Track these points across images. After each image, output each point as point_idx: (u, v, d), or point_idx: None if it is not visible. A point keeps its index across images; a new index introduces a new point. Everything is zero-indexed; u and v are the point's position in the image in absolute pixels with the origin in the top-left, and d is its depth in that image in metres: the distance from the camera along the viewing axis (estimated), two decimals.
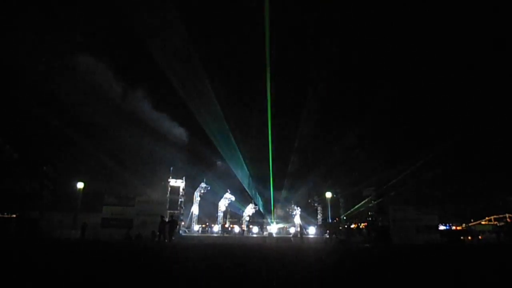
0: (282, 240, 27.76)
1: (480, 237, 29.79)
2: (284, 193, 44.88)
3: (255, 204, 42.62)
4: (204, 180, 38.60)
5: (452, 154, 35.14)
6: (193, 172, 37.65)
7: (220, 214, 40.75)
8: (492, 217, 37.51)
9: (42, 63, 34.01)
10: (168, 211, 28.61)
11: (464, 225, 36.79)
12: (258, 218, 44.38)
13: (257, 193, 43.65)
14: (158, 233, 17.97)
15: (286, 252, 12.94)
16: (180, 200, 31.00)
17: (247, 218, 42.15)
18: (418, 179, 34.14)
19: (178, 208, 30.58)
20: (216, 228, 40.33)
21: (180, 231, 31.60)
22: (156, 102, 46.64)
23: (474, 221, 38.26)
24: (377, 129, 47.65)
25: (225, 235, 36.38)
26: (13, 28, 33.08)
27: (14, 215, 24.34)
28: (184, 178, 31.58)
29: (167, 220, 19.40)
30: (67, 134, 33.90)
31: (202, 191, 38.78)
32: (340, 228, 35.06)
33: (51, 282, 4.89)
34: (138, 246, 14.47)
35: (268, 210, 43.53)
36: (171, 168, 31.56)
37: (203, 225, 41.93)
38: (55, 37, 34.99)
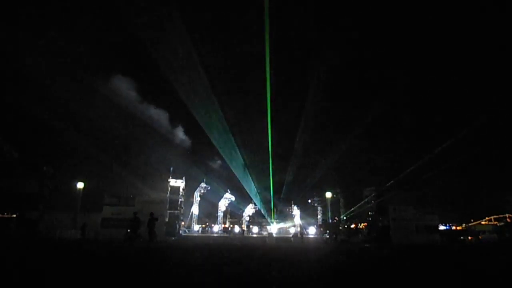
0: (282, 240, 27.73)
1: (480, 237, 29.77)
2: (284, 193, 44.86)
3: (255, 204, 42.64)
4: (204, 180, 38.63)
5: (452, 154, 35.12)
6: (193, 172, 37.65)
7: (220, 214, 40.81)
8: (492, 217, 37.48)
9: (44, 64, 33.98)
10: (168, 211, 28.61)
11: (464, 225, 36.77)
12: (258, 218, 44.44)
13: (257, 193, 43.63)
14: (128, 230, 15.56)
15: (287, 252, 12.93)
16: (180, 200, 30.98)
17: (247, 218, 42.20)
18: (418, 179, 34.12)
19: (178, 208, 30.56)
20: (216, 228, 40.39)
21: (181, 231, 31.60)
22: (157, 104, 46.70)
23: (474, 221, 38.23)
24: (377, 129, 47.65)
25: (225, 235, 36.40)
26: (14, 28, 33.07)
27: (14, 215, 24.30)
28: (184, 178, 31.57)
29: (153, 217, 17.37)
30: (67, 134, 33.94)
31: (202, 191, 38.81)
32: (340, 228, 35.05)
33: (50, 282, 4.88)
34: (136, 246, 14.44)
35: (268, 210, 43.50)
36: (171, 168, 31.56)
37: (203, 225, 42.00)
38: (56, 38, 34.98)
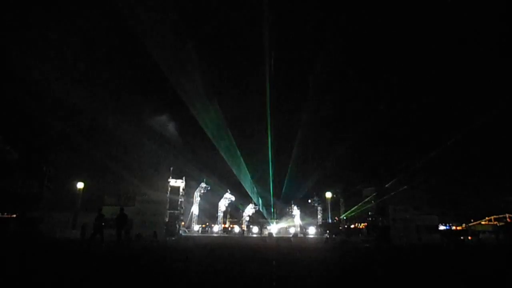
0: (282, 240, 27.73)
1: (480, 237, 29.77)
2: (284, 193, 44.85)
3: (255, 204, 42.62)
4: (204, 180, 38.61)
5: (452, 154, 35.13)
6: (193, 172, 37.62)
7: (220, 214, 40.80)
8: (492, 217, 37.49)
9: (43, 63, 33.92)
10: (168, 211, 28.61)
11: (464, 225, 36.77)
12: (258, 218, 44.43)
13: (257, 193, 43.63)
14: (92, 231, 13.49)
15: (287, 252, 12.93)
16: (180, 200, 30.98)
17: (247, 218, 42.19)
18: (418, 179, 34.15)
19: (178, 208, 30.56)
20: (216, 228, 40.39)
21: (180, 231, 31.61)
22: (157, 105, 46.64)
23: (474, 221, 38.24)
24: (377, 129, 47.63)
25: (225, 234, 36.42)
26: (14, 28, 33.04)
27: (14, 215, 24.31)
28: (184, 178, 31.56)
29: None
30: (68, 134, 33.89)
31: (202, 191, 38.80)
32: (340, 228, 35.08)
33: (50, 282, 4.88)
34: (137, 246, 14.47)
35: (268, 210, 43.50)
36: (171, 168, 31.54)
37: (203, 225, 41.99)
38: (56, 38, 34.93)
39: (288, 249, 14.30)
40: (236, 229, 40.16)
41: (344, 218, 36.73)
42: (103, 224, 13.46)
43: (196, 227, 38.99)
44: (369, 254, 12.71)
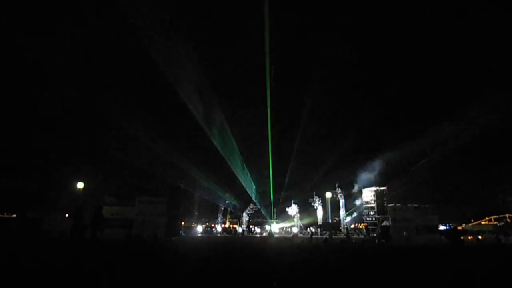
0: (283, 240, 27.77)
1: (480, 237, 29.77)
2: (284, 193, 44.85)
3: (255, 204, 42.65)
4: (205, 180, 38.61)
5: (452, 154, 35.16)
6: (193, 172, 37.61)
7: (220, 214, 40.84)
8: (492, 217, 37.50)
9: (43, 62, 33.83)
10: (168, 211, 28.60)
11: (464, 225, 36.78)
12: (258, 218, 44.46)
13: (257, 193, 43.62)
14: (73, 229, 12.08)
15: (288, 251, 12.96)
16: (180, 200, 31.00)
17: (247, 218, 42.22)
18: (418, 179, 34.20)
19: (178, 208, 30.57)
20: (217, 228, 40.45)
21: (181, 231, 31.63)
22: (157, 105, 46.55)
23: (474, 221, 38.26)
24: (377, 129, 47.66)
25: (225, 234, 36.45)
26: (16, 27, 32.94)
27: (14, 215, 24.34)
28: (184, 178, 31.61)
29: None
30: (68, 134, 33.88)
31: (203, 191, 38.83)
32: (340, 228, 35.09)
33: (51, 282, 4.89)
34: (137, 246, 14.46)
35: (268, 210, 43.50)
36: (171, 168, 31.59)
37: (203, 225, 42.04)
38: (59, 36, 34.77)
39: (289, 249, 14.33)
40: (237, 229, 40.21)
41: (344, 218, 36.74)
42: (80, 223, 12.14)
43: (196, 227, 39.02)
44: (368, 253, 12.72)
